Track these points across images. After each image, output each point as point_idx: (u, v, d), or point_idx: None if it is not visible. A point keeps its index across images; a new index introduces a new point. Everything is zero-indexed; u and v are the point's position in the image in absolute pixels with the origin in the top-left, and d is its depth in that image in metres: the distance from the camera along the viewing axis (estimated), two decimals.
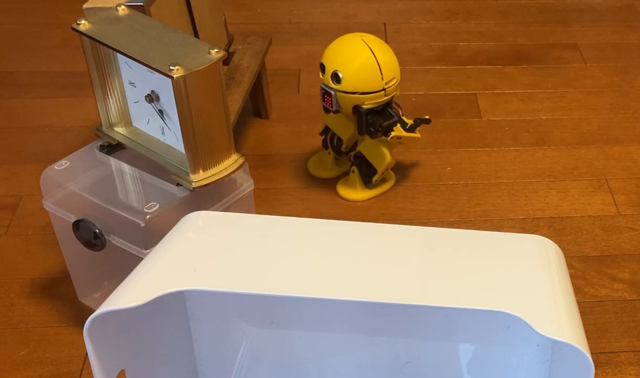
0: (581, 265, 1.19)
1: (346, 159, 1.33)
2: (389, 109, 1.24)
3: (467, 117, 1.53)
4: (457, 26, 1.85)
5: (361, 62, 1.20)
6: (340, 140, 1.30)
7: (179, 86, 0.88)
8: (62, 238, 1.04)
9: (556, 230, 1.25)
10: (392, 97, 1.23)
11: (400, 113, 1.27)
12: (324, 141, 1.34)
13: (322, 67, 1.23)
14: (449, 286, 0.72)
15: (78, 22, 0.96)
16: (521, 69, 1.68)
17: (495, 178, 1.37)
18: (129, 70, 0.98)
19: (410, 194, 1.33)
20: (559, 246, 0.82)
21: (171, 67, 0.87)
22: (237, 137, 1.45)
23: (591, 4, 1.95)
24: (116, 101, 1.02)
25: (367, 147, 1.28)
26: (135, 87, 0.99)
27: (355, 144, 1.31)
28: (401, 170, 1.38)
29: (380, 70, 1.20)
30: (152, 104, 0.97)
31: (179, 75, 0.87)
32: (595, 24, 1.87)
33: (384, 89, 1.21)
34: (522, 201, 1.32)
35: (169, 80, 0.88)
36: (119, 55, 0.97)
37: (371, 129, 1.22)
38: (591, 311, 1.11)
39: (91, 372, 0.70)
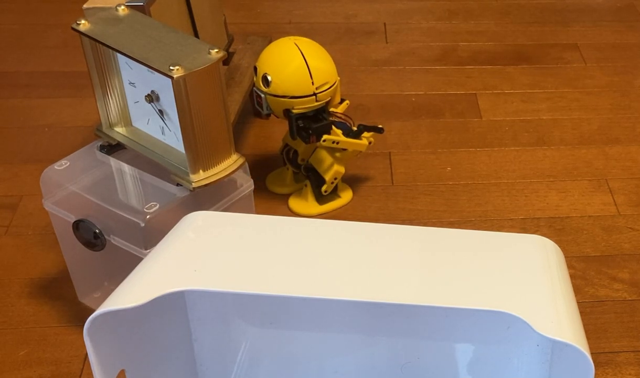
0: (581, 265, 1.19)
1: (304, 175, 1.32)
2: (324, 115, 1.22)
3: (467, 117, 1.53)
4: (457, 26, 1.85)
5: (291, 65, 1.19)
6: (296, 152, 1.29)
7: (179, 86, 0.88)
8: (62, 238, 1.04)
9: (556, 230, 1.25)
10: (326, 102, 1.22)
11: (350, 124, 1.25)
12: (281, 156, 1.33)
13: (255, 70, 1.22)
14: (449, 286, 0.72)
15: (78, 22, 0.96)
16: (521, 69, 1.68)
17: (495, 178, 1.37)
18: (129, 70, 0.98)
19: (410, 194, 1.33)
20: (559, 246, 0.82)
21: (171, 67, 0.87)
22: (237, 137, 1.45)
23: (591, 4, 1.95)
24: (116, 101, 1.02)
25: (315, 157, 1.27)
26: (135, 87, 0.99)
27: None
28: (401, 170, 1.38)
29: (310, 75, 1.19)
30: (152, 104, 0.97)
31: (179, 75, 0.87)
32: (595, 24, 1.87)
33: (314, 94, 1.20)
34: (522, 201, 1.32)
35: (169, 80, 0.88)
36: (119, 55, 0.97)
37: (303, 133, 1.21)
38: (591, 311, 1.11)
39: (91, 372, 0.70)
